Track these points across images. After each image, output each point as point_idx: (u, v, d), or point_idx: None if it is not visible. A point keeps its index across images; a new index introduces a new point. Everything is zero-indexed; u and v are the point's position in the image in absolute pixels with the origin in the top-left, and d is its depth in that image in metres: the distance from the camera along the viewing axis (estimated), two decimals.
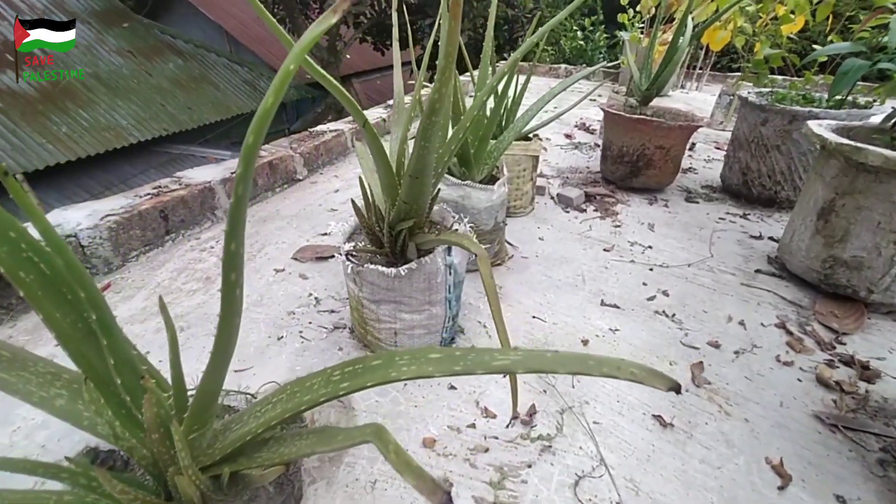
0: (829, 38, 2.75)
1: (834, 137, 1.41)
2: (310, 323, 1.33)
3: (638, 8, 3.42)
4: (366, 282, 1.06)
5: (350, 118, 3.01)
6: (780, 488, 0.91)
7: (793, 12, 2.78)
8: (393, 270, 1.00)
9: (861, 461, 0.98)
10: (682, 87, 5.75)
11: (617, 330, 1.36)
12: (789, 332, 1.37)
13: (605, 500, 0.87)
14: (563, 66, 6.34)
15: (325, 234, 1.85)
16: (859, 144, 1.32)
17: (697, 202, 2.32)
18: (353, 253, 1.09)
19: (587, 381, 1.16)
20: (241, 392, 0.64)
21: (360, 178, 1.08)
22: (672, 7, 2.78)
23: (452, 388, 1.12)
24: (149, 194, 1.66)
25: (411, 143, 1.12)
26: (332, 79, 0.79)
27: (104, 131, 6.33)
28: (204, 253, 1.66)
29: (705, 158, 3.04)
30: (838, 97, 2.01)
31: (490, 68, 1.66)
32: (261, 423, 0.49)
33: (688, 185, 2.54)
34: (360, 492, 0.86)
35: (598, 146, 2.88)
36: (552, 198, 2.29)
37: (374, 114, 3.29)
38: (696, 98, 5.21)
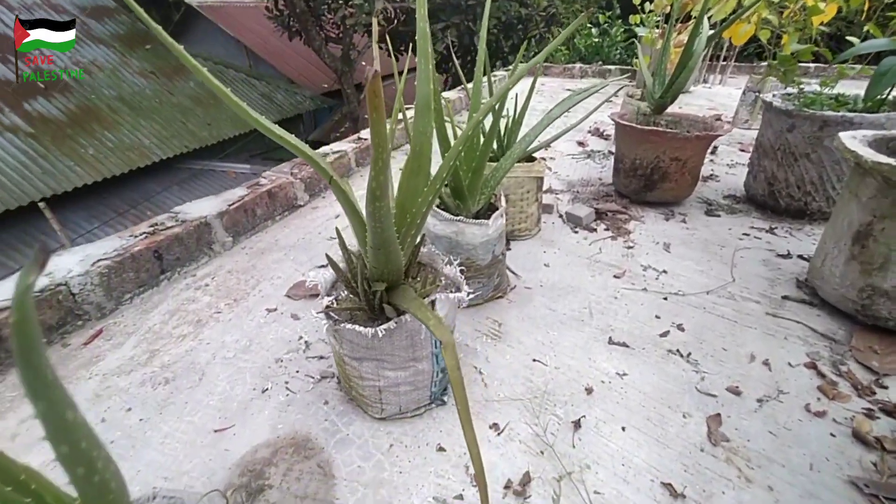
0: (866, 28, 2.52)
1: (870, 154, 1.25)
2: (297, 371, 1.28)
3: (652, 6, 3.24)
4: (345, 339, 1.00)
5: (354, 137, 2.97)
6: None
7: (823, 0, 2.57)
8: (370, 330, 0.93)
9: None
10: (705, 80, 5.48)
11: (625, 374, 1.25)
12: (821, 374, 1.23)
13: None
14: (577, 65, 6.15)
15: (322, 266, 1.80)
16: None
17: (719, 215, 2.16)
18: (333, 307, 1.03)
19: (589, 439, 1.07)
20: None
21: (337, 230, 1.02)
22: (687, 6, 2.60)
23: (441, 449, 1.04)
24: (144, 233, 1.65)
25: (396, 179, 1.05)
26: (292, 139, 0.73)
27: (128, 151, 6.55)
28: (198, 292, 1.64)
29: (728, 163, 2.85)
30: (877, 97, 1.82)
31: (485, 83, 1.55)
32: None
33: (708, 195, 2.37)
34: None
35: (613, 153, 2.74)
36: (560, 216, 2.18)
37: None
38: (719, 93, 4.95)
